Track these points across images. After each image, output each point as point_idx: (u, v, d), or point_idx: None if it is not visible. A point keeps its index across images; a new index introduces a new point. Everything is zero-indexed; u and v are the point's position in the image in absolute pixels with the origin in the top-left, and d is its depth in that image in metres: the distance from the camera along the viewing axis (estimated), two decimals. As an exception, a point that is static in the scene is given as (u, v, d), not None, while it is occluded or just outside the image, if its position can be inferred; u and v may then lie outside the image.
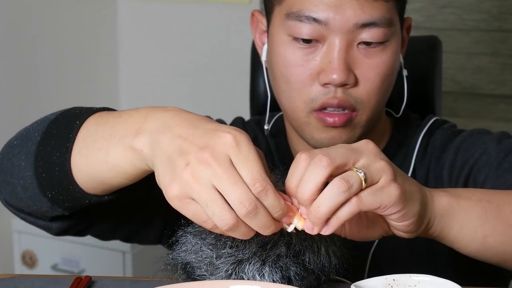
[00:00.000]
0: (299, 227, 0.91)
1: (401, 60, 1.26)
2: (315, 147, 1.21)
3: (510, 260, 1.01)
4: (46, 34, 2.52)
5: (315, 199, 0.88)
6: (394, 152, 1.28)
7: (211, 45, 2.65)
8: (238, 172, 0.87)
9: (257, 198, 0.87)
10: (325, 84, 1.17)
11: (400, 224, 0.94)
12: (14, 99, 2.42)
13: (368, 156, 0.91)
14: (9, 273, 1.12)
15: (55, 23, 2.55)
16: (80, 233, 1.19)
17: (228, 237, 0.99)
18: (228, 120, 1.39)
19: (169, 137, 0.93)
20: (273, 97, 1.27)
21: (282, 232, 0.98)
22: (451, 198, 0.97)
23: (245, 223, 0.88)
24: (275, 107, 1.31)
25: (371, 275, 1.17)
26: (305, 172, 0.89)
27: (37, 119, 1.17)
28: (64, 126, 1.07)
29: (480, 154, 1.21)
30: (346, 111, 1.18)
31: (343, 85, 1.16)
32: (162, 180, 0.91)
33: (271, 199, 0.88)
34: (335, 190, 0.87)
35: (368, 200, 0.89)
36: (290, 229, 0.91)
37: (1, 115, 2.36)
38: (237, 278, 0.98)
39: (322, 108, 1.18)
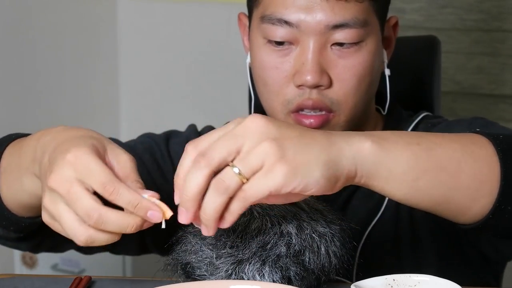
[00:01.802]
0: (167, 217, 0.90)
1: (385, 59, 1.26)
2: None
3: (442, 204, 0.95)
4: (46, 34, 2.51)
5: (201, 198, 0.87)
6: None
7: (211, 45, 2.65)
8: (82, 188, 0.88)
9: (111, 201, 0.88)
10: (299, 86, 1.17)
11: (308, 194, 0.89)
12: (14, 99, 2.42)
13: (250, 140, 0.86)
14: (9, 273, 1.12)
15: (55, 23, 2.54)
16: (54, 249, 1.22)
17: (228, 237, 0.99)
18: (225, 121, 1.39)
19: (45, 161, 0.95)
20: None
21: (282, 232, 0.98)
22: (373, 145, 0.90)
23: (101, 231, 0.88)
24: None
25: (360, 270, 1.18)
26: (187, 174, 0.87)
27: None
28: None
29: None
30: (323, 113, 1.18)
31: (317, 86, 1.17)
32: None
33: (125, 197, 0.88)
34: (214, 194, 0.86)
35: (253, 192, 0.86)
36: (163, 225, 0.90)
37: (1, 115, 2.36)
38: (237, 278, 0.98)
39: (298, 110, 1.19)
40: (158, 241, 1.25)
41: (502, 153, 0.95)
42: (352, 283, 0.95)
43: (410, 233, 1.24)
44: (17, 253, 2.50)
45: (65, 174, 0.89)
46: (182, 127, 1.38)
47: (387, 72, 1.26)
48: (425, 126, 1.28)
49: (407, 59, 1.55)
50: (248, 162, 0.85)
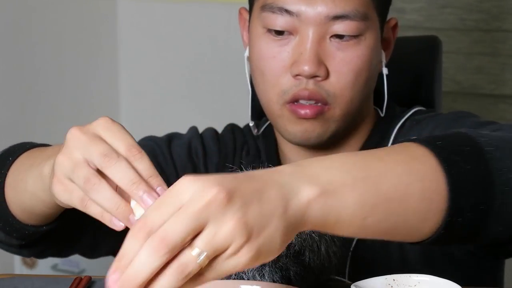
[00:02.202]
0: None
1: (383, 59, 1.26)
2: (290, 141, 1.23)
3: (390, 232, 0.91)
4: (46, 34, 2.51)
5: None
6: (375, 148, 1.28)
7: (211, 45, 2.65)
8: (102, 139, 0.88)
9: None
10: (296, 76, 1.18)
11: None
12: (14, 99, 2.42)
13: (215, 219, 0.75)
14: (9, 273, 1.12)
15: (55, 23, 2.54)
16: (59, 254, 1.22)
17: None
18: (226, 122, 1.39)
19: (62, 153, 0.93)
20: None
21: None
22: (322, 196, 0.82)
23: (107, 183, 0.86)
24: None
25: (352, 268, 1.18)
26: (140, 253, 0.74)
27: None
28: (0, 164, 1.11)
29: (432, 127, 1.22)
30: (318, 104, 1.18)
31: (314, 76, 1.17)
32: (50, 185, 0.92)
33: (146, 163, 0.87)
34: (173, 279, 0.75)
35: (213, 275, 0.77)
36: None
37: (1, 115, 2.36)
38: (237, 278, 0.98)
39: (294, 100, 1.19)
40: None
41: (445, 162, 0.89)
42: (352, 283, 0.95)
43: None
44: (17, 253, 2.50)
45: (90, 130, 0.89)
46: (182, 127, 1.38)
47: (385, 71, 1.26)
48: (410, 124, 1.28)
49: (408, 59, 1.55)
50: (214, 244, 0.75)
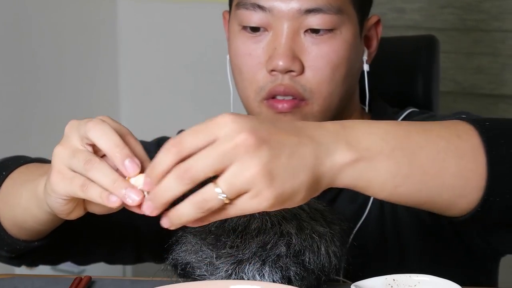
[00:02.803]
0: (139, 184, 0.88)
1: (365, 56, 1.25)
2: None
3: (425, 203, 0.94)
4: (46, 34, 2.51)
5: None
6: None
7: (211, 45, 2.65)
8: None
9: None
10: (271, 71, 1.18)
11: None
12: (14, 99, 2.42)
13: (240, 161, 0.81)
14: (9, 273, 1.12)
15: (55, 23, 2.54)
16: (51, 263, 1.23)
17: (228, 237, 0.99)
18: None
19: None
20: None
21: (282, 232, 0.98)
22: (356, 161, 0.87)
23: (105, 162, 0.88)
24: None
25: (364, 272, 1.18)
26: (166, 178, 0.83)
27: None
28: None
29: None
30: (295, 99, 1.18)
31: (288, 71, 1.17)
32: (45, 186, 0.94)
33: (107, 134, 0.90)
34: (193, 209, 0.83)
35: (234, 212, 0.84)
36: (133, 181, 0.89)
37: (1, 115, 2.36)
38: (237, 278, 0.98)
39: (271, 97, 1.19)
40: (153, 250, 1.26)
41: (488, 143, 0.92)
42: (352, 283, 0.95)
43: (395, 233, 1.24)
44: (17, 253, 2.50)
45: (77, 121, 0.92)
46: (181, 127, 1.38)
47: (366, 67, 1.26)
48: None
49: (405, 59, 1.55)
50: (235, 186, 0.82)
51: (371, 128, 0.89)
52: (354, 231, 1.23)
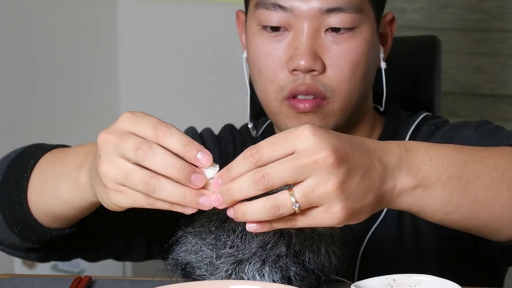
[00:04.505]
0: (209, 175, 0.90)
1: (381, 54, 1.26)
2: None
3: (472, 230, 0.99)
4: (46, 34, 2.51)
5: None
6: None
7: (211, 45, 2.65)
8: (131, 132, 0.89)
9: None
10: (293, 71, 1.18)
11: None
12: (14, 99, 2.42)
13: (316, 177, 0.85)
14: (9, 273, 1.12)
15: (55, 23, 2.54)
16: (63, 258, 1.22)
17: (228, 237, 0.99)
18: (225, 122, 1.39)
19: (95, 163, 0.94)
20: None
21: (282, 232, 0.98)
22: (415, 188, 0.91)
23: (165, 178, 0.87)
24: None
25: (362, 272, 1.18)
26: (242, 178, 0.86)
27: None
28: (20, 165, 1.10)
29: (463, 139, 1.21)
30: (317, 98, 1.19)
31: (310, 71, 1.17)
32: (98, 195, 0.94)
33: (176, 134, 0.88)
34: (263, 212, 0.86)
35: (304, 224, 0.88)
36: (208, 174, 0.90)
37: (1, 115, 2.36)
38: (237, 278, 0.98)
39: (292, 96, 1.19)
40: (163, 243, 1.25)
41: None
42: (352, 283, 0.95)
43: (413, 236, 1.23)
44: (17, 253, 2.50)
45: (118, 125, 0.90)
46: (182, 127, 1.38)
47: (383, 65, 1.26)
48: (428, 129, 1.27)
49: (407, 59, 1.55)
50: (310, 199, 0.85)
51: (431, 153, 0.93)
52: (370, 232, 1.23)
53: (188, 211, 0.90)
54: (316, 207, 0.86)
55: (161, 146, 0.88)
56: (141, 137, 0.88)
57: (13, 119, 2.40)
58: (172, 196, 0.88)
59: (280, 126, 1.23)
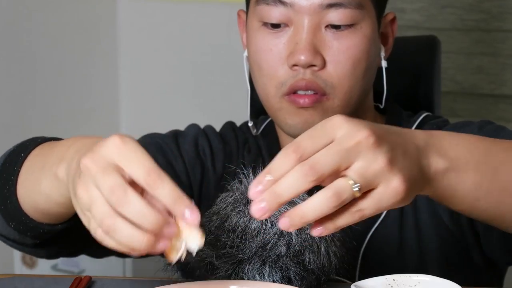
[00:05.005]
0: (193, 247, 0.83)
1: (383, 53, 1.26)
2: (291, 134, 1.22)
3: (496, 219, 0.98)
4: (46, 34, 2.51)
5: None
6: None
7: (211, 45, 2.65)
8: (119, 170, 0.82)
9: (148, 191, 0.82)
10: (293, 66, 1.18)
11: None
12: (14, 99, 2.42)
13: (365, 156, 0.83)
14: (9, 273, 1.12)
15: (55, 23, 2.54)
16: (72, 254, 1.21)
17: (228, 237, 0.99)
18: (225, 121, 1.39)
19: (76, 160, 0.89)
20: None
21: (282, 232, 0.98)
22: (447, 171, 0.90)
23: (124, 221, 0.81)
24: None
25: (362, 273, 1.17)
26: (289, 175, 0.82)
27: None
28: (12, 159, 1.08)
29: None
30: (317, 94, 1.19)
31: (310, 66, 1.17)
32: (74, 204, 0.89)
33: (168, 187, 0.81)
34: (325, 204, 0.82)
35: (369, 210, 0.84)
36: (181, 250, 0.83)
37: (1, 115, 2.36)
38: (237, 278, 0.98)
39: (292, 92, 1.19)
40: None
41: None
42: (352, 283, 0.95)
43: (415, 236, 1.23)
44: (17, 253, 2.50)
45: (103, 154, 0.83)
46: (182, 127, 1.38)
47: (384, 64, 1.26)
48: (430, 128, 1.27)
49: (407, 59, 1.55)
50: (366, 178, 0.82)
51: (456, 139, 0.93)
52: (371, 232, 1.23)
53: (135, 255, 0.85)
54: (374, 189, 0.83)
55: (146, 193, 0.83)
56: (123, 176, 0.82)
57: (13, 119, 2.40)
58: (127, 240, 0.82)
59: (280, 123, 1.23)
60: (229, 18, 2.54)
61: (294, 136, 1.23)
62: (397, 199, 0.84)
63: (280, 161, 0.82)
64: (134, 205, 0.81)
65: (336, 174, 0.82)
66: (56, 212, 1.04)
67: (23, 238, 1.10)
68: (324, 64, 1.18)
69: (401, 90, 1.51)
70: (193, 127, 1.35)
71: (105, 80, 2.76)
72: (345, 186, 0.82)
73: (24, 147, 1.09)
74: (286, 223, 0.83)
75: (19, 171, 1.06)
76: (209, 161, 1.30)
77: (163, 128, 1.38)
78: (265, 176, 0.83)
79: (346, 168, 0.82)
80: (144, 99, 2.77)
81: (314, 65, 1.17)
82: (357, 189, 0.82)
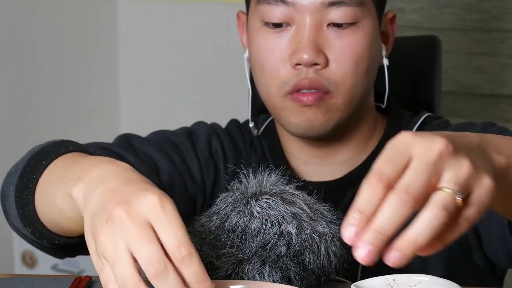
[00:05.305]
0: None
1: (384, 51, 1.26)
2: (294, 132, 1.22)
3: None
4: (46, 34, 2.51)
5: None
6: None
7: (211, 45, 2.65)
8: (154, 233, 0.80)
9: (174, 264, 0.79)
10: (295, 65, 1.18)
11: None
12: (14, 99, 2.42)
13: (451, 165, 0.80)
14: (9, 273, 1.12)
15: (55, 23, 2.54)
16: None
17: (228, 237, 0.99)
18: (226, 121, 1.38)
19: (100, 191, 0.86)
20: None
21: (282, 232, 0.98)
22: (510, 169, 0.88)
23: None
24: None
25: (364, 273, 1.17)
26: (385, 207, 0.77)
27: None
28: (34, 165, 1.05)
29: None
30: (320, 92, 1.18)
31: (313, 65, 1.17)
32: (86, 236, 0.86)
33: (195, 266, 0.79)
34: (435, 222, 0.77)
35: (474, 216, 0.80)
36: None
37: (1, 115, 2.36)
38: (237, 278, 0.98)
39: (295, 91, 1.19)
40: None
41: None
42: (352, 283, 0.95)
43: None
44: (17, 253, 2.50)
45: (140, 210, 0.80)
46: (181, 126, 1.37)
47: (386, 62, 1.27)
48: (432, 129, 1.27)
49: (407, 59, 1.55)
50: (462, 184, 0.79)
51: (499, 139, 0.91)
52: None
53: None
54: (471, 194, 0.80)
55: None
56: (159, 244, 0.80)
57: (13, 118, 2.40)
58: None
59: (283, 122, 1.22)
60: (229, 18, 2.54)
61: (297, 135, 1.23)
62: (493, 197, 0.81)
63: (368, 195, 0.78)
64: (171, 284, 0.79)
65: (428, 191, 0.79)
66: (68, 228, 1.02)
67: (40, 241, 1.08)
68: (327, 63, 1.18)
69: (401, 90, 1.51)
70: (203, 125, 1.34)
71: (105, 80, 2.76)
72: (447, 198, 0.78)
73: (47, 153, 1.06)
74: (396, 258, 0.77)
75: (38, 179, 1.04)
76: (221, 162, 1.30)
77: (163, 128, 1.38)
78: (355, 215, 0.77)
79: (436, 182, 0.79)
80: (144, 99, 2.77)
81: (317, 64, 1.17)
82: (459, 197, 0.79)
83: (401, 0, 2.44)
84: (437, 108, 1.55)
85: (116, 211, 0.81)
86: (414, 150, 0.79)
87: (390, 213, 0.76)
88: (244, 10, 1.29)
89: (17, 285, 1.08)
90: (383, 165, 0.79)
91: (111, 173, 0.88)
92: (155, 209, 0.80)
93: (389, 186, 0.78)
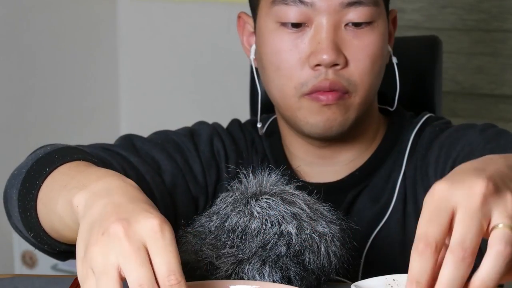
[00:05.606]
0: None
1: (390, 49, 1.27)
2: (309, 134, 1.22)
3: None
4: (46, 34, 2.52)
5: None
6: (388, 152, 1.28)
7: (211, 45, 2.65)
8: (148, 256, 0.79)
9: None
10: (315, 66, 1.17)
11: None
12: (14, 99, 2.42)
13: (497, 203, 0.78)
14: (9, 273, 1.12)
15: (55, 23, 2.55)
16: None
17: (228, 237, 0.99)
18: (226, 122, 1.38)
19: (103, 203, 0.85)
20: (266, 96, 1.27)
21: (282, 232, 0.98)
22: None
23: None
24: (271, 109, 1.31)
25: (365, 273, 1.17)
26: (445, 270, 0.76)
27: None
28: (37, 170, 1.04)
29: (462, 146, 1.21)
30: (339, 92, 1.18)
31: (333, 65, 1.17)
32: (78, 241, 0.85)
33: None
34: (502, 260, 0.76)
35: None
36: None
37: (1, 115, 2.36)
38: (237, 278, 0.98)
39: (314, 92, 1.18)
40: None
41: None
42: (352, 283, 0.95)
43: None
44: (17, 253, 2.50)
45: (138, 231, 0.80)
46: (181, 126, 1.37)
47: (395, 60, 1.27)
48: (432, 130, 1.27)
49: (408, 59, 1.55)
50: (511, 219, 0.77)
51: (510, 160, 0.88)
52: (374, 233, 1.22)
53: None
54: None
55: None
56: (151, 269, 0.79)
57: (13, 119, 2.40)
58: None
59: (299, 123, 1.21)
60: (229, 18, 2.54)
61: (314, 135, 1.22)
62: None
63: (419, 264, 0.77)
64: None
65: (481, 238, 0.77)
66: (68, 236, 1.00)
67: (42, 246, 1.07)
68: (346, 63, 1.18)
69: (402, 90, 1.51)
70: (205, 125, 1.33)
71: (105, 80, 2.76)
72: (507, 233, 0.76)
73: (51, 160, 1.04)
74: None
75: (40, 186, 1.02)
76: (223, 163, 1.30)
77: (163, 128, 1.38)
78: (414, 284, 0.77)
79: (487, 225, 0.77)
80: (144, 99, 2.78)
81: (337, 64, 1.17)
82: None
83: (401, 0, 2.44)
84: (437, 108, 1.55)
85: (114, 226, 0.80)
86: (456, 201, 0.77)
87: (451, 275, 0.76)
88: (245, 10, 1.28)
89: (17, 285, 1.08)
90: (427, 228, 0.77)
91: (117, 188, 0.88)
92: (154, 233, 0.80)
93: (438, 249, 0.76)
